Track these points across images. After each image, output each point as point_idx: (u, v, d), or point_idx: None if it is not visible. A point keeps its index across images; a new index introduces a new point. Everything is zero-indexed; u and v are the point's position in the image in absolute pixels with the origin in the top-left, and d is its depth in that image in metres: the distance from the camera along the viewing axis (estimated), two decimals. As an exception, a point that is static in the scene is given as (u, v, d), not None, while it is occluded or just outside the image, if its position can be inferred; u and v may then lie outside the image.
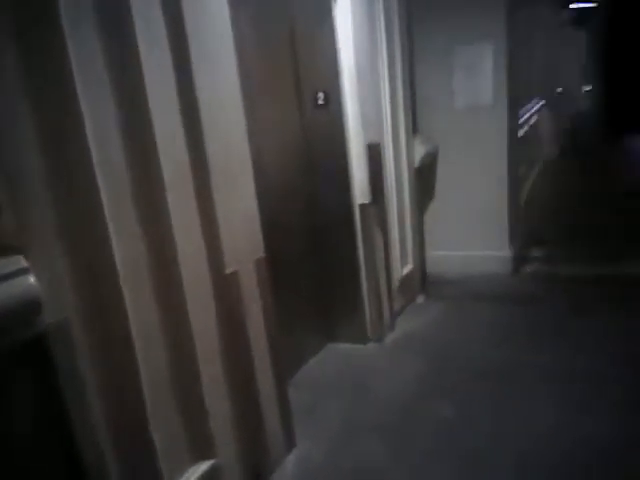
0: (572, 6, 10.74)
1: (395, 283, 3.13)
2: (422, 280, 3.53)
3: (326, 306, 2.89)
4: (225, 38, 1.71)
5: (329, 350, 2.86)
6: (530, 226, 4.17)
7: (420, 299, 3.44)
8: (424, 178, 3.58)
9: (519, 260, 3.76)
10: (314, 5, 2.50)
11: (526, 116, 5.36)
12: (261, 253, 1.90)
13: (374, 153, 2.76)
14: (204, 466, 1.71)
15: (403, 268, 3.29)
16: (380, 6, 2.78)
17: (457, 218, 3.71)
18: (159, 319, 1.54)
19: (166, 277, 1.55)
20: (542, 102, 6.51)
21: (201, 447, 1.71)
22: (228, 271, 1.72)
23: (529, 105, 5.78)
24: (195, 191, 1.62)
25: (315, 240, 2.79)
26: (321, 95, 2.57)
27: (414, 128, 3.35)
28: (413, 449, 2.03)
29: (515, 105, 3.78)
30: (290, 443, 2.09)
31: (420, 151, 3.41)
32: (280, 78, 2.51)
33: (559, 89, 8.59)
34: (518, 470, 1.87)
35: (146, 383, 1.48)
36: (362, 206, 2.76)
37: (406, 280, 3.28)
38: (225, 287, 1.72)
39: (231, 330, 1.77)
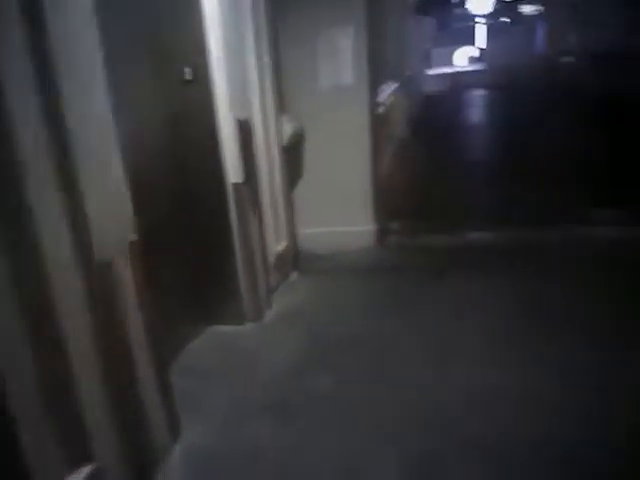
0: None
1: (270, 261, 3.15)
2: (295, 257, 3.59)
3: (202, 289, 2.81)
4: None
5: (209, 333, 2.79)
6: (390, 200, 4.44)
7: (294, 276, 3.51)
8: (292, 157, 3.62)
9: (383, 233, 4.01)
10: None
11: (382, 97, 5.65)
12: (133, 236, 1.78)
13: (244, 130, 2.71)
14: (83, 473, 1.58)
15: (277, 246, 3.32)
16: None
17: (325, 196, 3.82)
18: (21, 317, 1.38)
19: (29, 272, 1.38)
20: (395, 84, 6.92)
21: (79, 452, 1.57)
22: (99, 258, 1.58)
23: (384, 86, 6.10)
24: (57, 176, 1.46)
25: (188, 221, 2.68)
26: (188, 70, 2.45)
27: (281, 109, 3.36)
28: (301, 424, 2.05)
29: (375, 85, 3.96)
30: (175, 433, 2.01)
31: (288, 130, 3.43)
32: (147, 57, 2.37)
33: (409, 72, 9.20)
34: (405, 436, 1.92)
35: (14, 393, 1.31)
36: (235, 185, 2.71)
37: (280, 258, 3.32)
38: (97, 275, 1.58)
39: (105, 319, 1.63)
